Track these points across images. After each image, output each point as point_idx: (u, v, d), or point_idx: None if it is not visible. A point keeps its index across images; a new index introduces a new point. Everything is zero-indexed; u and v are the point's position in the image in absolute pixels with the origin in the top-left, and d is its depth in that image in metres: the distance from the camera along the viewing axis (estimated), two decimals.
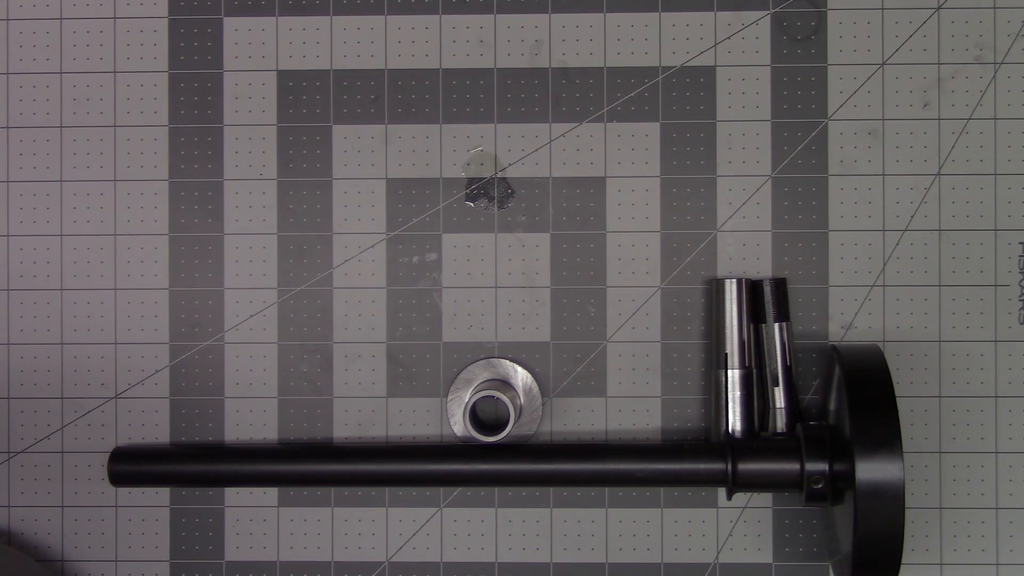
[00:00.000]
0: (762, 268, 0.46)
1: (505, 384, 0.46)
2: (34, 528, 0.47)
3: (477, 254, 0.47)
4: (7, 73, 0.48)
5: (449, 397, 0.47)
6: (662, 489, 0.47)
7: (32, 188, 0.47)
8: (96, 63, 0.48)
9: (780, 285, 0.45)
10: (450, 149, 0.47)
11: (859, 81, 0.46)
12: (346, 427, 0.47)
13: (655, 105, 0.47)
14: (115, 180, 0.47)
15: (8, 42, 0.48)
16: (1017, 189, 0.46)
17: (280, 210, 0.47)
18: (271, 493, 0.47)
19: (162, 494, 0.47)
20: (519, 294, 0.47)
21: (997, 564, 0.46)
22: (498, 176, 0.47)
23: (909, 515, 0.46)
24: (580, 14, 0.47)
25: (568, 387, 0.47)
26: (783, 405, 0.45)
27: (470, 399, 0.44)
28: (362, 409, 0.47)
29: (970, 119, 0.46)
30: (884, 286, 0.46)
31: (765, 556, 0.46)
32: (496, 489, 0.47)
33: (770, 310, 0.45)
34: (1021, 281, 0.46)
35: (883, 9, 0.47)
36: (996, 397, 0.46)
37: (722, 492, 0.46)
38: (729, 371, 0.45)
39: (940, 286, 0.46)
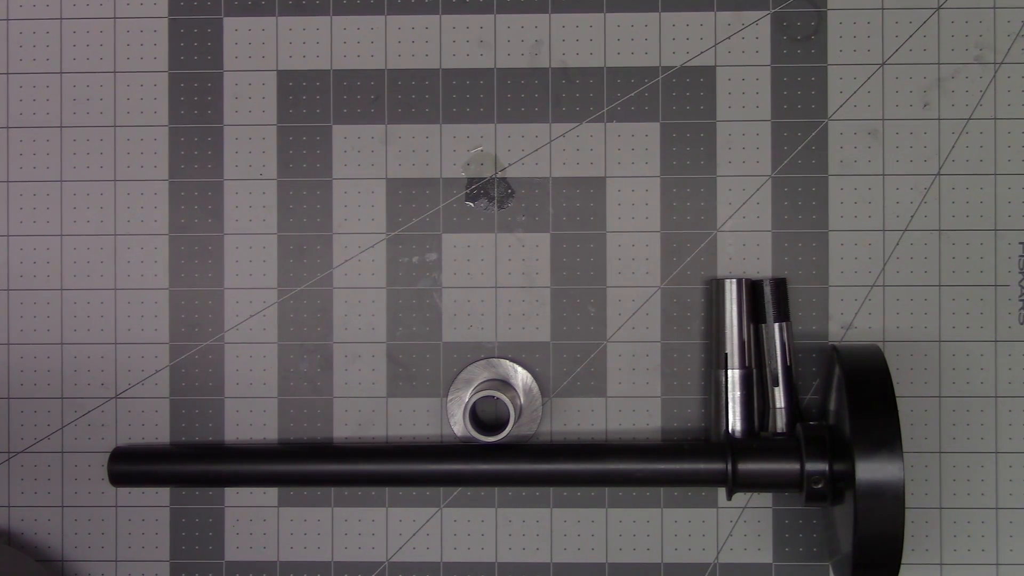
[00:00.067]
0: (762, 268, 0.46)
1: (505, 384, 0.46)
2: (34, 528, 0.47)
3: (477, 254, 0.47)
4: (7, 73, 0.48)
5: (449, 397, 0.47)
6: (662, 489, 0.47)
7: (32, 188, 0.47)
8: (96, 63, 0.48)
9: (780, 285, 0.45)
10: (450, 149, 0.47)
11: (859, 81, 0.46)
12: (346, 427, 0.47)
13: (655, 105, 0.47)
14: (115, 180, 0.47)
15: (8, 42, 0.48)
16: (1017, 189, 0.46)
17: (280, 210, 0.47)
18: (271, 493, 0.47)
19: (162, 494, 0.47)
20: (519, 294, 0.47)
21: (997, 564, 0.46)
22: (498, 176, 0.47)
23: (909, 515, 0.46)
24: (580, 14, 0.47)
25: (568, 387, 0.47)
26: (783, 405, 0.45)
27: (470, 399, 0.44)
28: (362, 409, 0.47)
29: (970, 119, 0.46)
30: (884, 286, 0.46)
31: (765, 556, 0.46)
32: (496, 489, 0.47)
33: (770, 310, 0.45)
34: (1021, 281, 0.46)
35: (883, 9, 0.47)
36: (996, 397, 0.46)
37: (722, 492, 0.46)
38: (729, 371, 0.45)
39: (940, 286, 0.46)
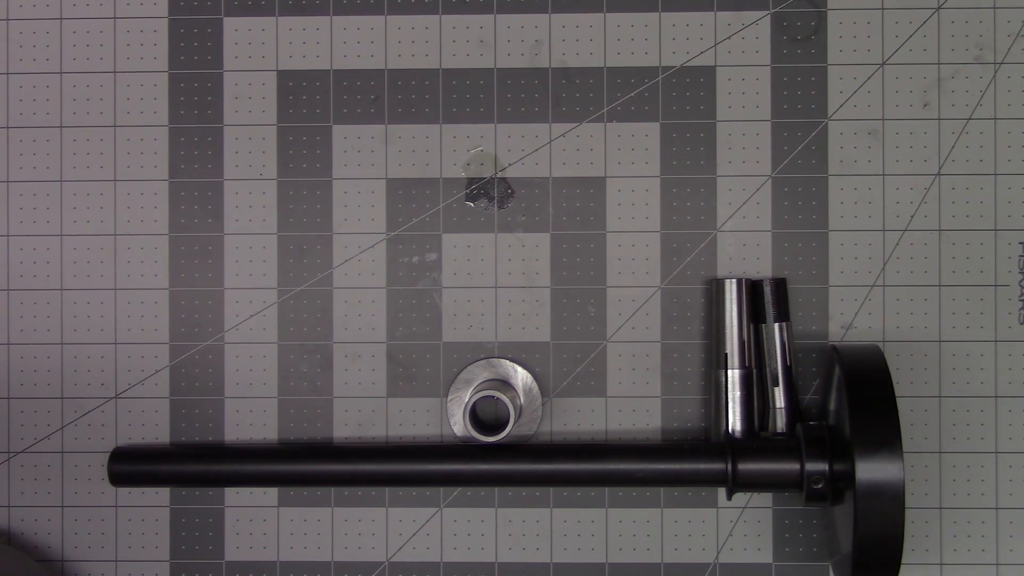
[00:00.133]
0: (762, 268, 0.46)
1: (505, 384, 0.46)
2: (34, 528, 0.47)
3: (477, 254, 0.47)
4: (7, 73, 0.48)
5: (449, 397, 0.47)
6: (662, 489, 0.47)
7: (32, 188, 0.47)
8: (96, 63, 0.48)
9: (780, 285, 0.45)
10: (450, 149, 0.47)
11: (859, 81, 0.46)
12: (346, 427, 0.47)
13: (655, 105, 0.47)
14: (115, 180, 0.47)
15: (8, 42, 0.48)
16: (1017, 189, 0.46)
17: (280, 210, 0.47)
18: (271, 493, 0.47)
19: (162, 494, 0.47)
20: (519, 294, 0.47)
21: (997, 564, 0.46)
22: (498, 176, 0.47)
23: (909, 515, 0.46)
24: (580, 14, 0.47)
25: (568, 387, 0.47)
26: (783, 405, 0.45)
27: (470, 399, 0.44)
28: (362, 409, 0.47)
29: (970, 119, 0.46)
30: (884, 286, 0.46)
31: (765, 556, 0.46)
32: (496, 489, 0.47)
33: (770, 310, 0.45)
34: (1021, 281, 0.46)
35: (883, 9, 0.47)
36: (996, 397, 0.46)
37: (722, 492, 0.46)
38: (729, 371, 0.45)
39: (940, 286, 0.46)
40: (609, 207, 0.47)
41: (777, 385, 0.45)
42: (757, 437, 0.45)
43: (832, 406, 0.44)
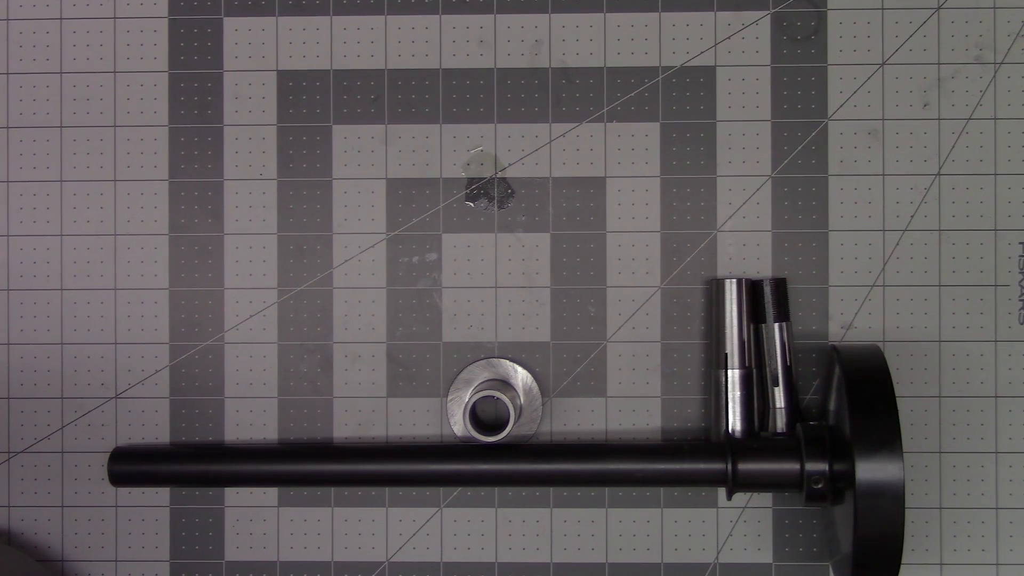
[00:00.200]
0: (762, 268, 0.46)
1: (505, 384, 0.46)
2: (34, 528, 0.47)
3: (477, 254, 0.47)
4: (7, 73, 0.48)
5: (449, 397, 0.47)
6: (662, 489, 0.47)
7: (32, 188, 0.47)
8: (96, 63, 0.48)
9: (780, 285, 0.45)
10: (450, 149, 0.47)
11: (859, 81, 0.46)
12: (346, 427, 0.47)
13: (655, 105, 0.47)
14: (115, 180, 0.47)
15: (8, 42, 0.48)
16: (1017, 189, 0.46)
17: (280, 210, 0.47)
18: (271, 493, 0.47)
19: (162, 494, 0.47)
20: (519, 294, 0.47)
21: (997, 564, 0.46)
22: (498, 176, 0.47)
23: (909, 515, 0.46)
24: (580, 14, 0.47)
25: (568, 387, 0.47)
26: (783, 405, 0.45)
27: (470, 399, 0.44)
28: (362, 409, 0.47)
29: (970, 119, 0.46)
30: (884, 286, 0.46)
31: (765, 556, 0.46)
32: (496, 489, 0.47)
33: (770, 310, 0.45)
34: (1021, 281, 0.46)
35: (883, 9, 0.47)
36: (996, 397, 0.46)
37: (722, 492, 0.46)
38: (729, 371, 0.45)
39: (940, 286, 0.46)
40: (609, 207, 0.47)
41: (777, 385, 0.45)
42: (757, 437, 0.45)
43: (832, 406, 0.44)
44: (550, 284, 0.47)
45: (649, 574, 0.46)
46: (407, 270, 0.47)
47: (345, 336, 0.47)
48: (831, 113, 0.46)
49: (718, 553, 0.46)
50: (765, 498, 0.46)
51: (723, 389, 0.45)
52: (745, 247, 0.46)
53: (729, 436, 0.44)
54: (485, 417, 0.47)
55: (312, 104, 0.47)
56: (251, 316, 0.47)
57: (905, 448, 0.46)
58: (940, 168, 0.46)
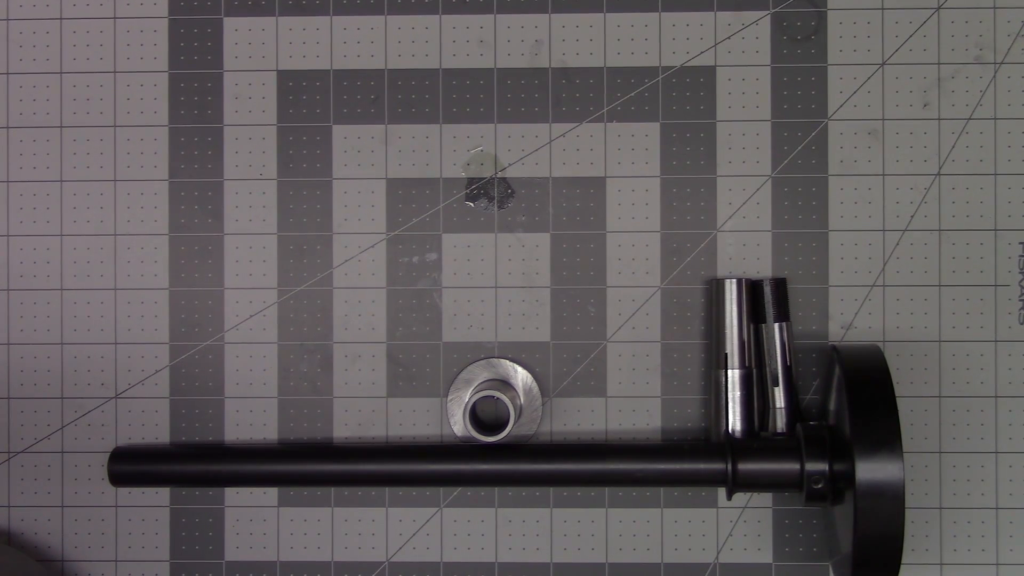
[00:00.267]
0: (762, 268, 0.46)
1: (505, 384, 0.46)
2: (34, 528, 0.47)
3: (477, 254, 0.47)
4: (7, 73, 0.48)
5: (449, 397, 0.47)
6: (662, 489, 0.47)
7: (32, 188, 0.47)
8: (96, 63, 0.48)
9: (780, 285, 0.45)
10: (450, 149, 0.47)
11: (859, 81, 0.46)
12: (346, 427, 0.47)
13: (655, 105, 0.47)
14: (115, 180, 0.47)
15: (8, 42, 0.48)
16: (1017, 189, 0.46)
17: (280, 210, 0.47)
18: (271, 493, 0.47)
19: (162, 494, 0.47)
20: (519, 294, 0.47)
21: (997, 564, 0.46)
22: (498, 176, 0.47)
23: (909, 515, 0.46)
24: (580, 14, 0.47)
25: (568, 387, 0.47)
26: (783, 405, 0.45)
27: (470, 399, 0.44)
28: (362, 409, 0.47)
29: (970, 119, 0.46)
30: (884, 286, 0.46)
31: (765, 556, 0.46)
32: (496, 489, 0.47)
33: (770, 310, 0.45)
34: (1021, 281, 0.46)
35: (883, 9, 0.47)
36: (996, 397, 0.46)
37: (722, 492, 0.46)
38: (729, 371, 0.45)
39: (940, 286, 0.46)
40: (609, 207, 0.47)
41: (777, 385, 0.45)
42: (757, 437, 0.45)
43: (832, 406, 0.44)
44: (550, 284, 0.47)
45: (649, 574, 0.46)
46: (407, 270, 0.47)
47: (345, 336, 0.47)
48: (831, 113, 0.46)
49: (718, 553, 0.46)
50: (765, 498, 0.46)
51: (723, 389, 0.45)
52: (745, 247, 0.46)
53: (729, 436, 0.44)
54: (485, 417, 0.47)
55: (312, 104, 0.47)
56: (251, 316, 0.47)
57: (905, 448, 0.46)
58: (940, 168, 0.46)
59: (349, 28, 0.47)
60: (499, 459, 0.45)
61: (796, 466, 0.43)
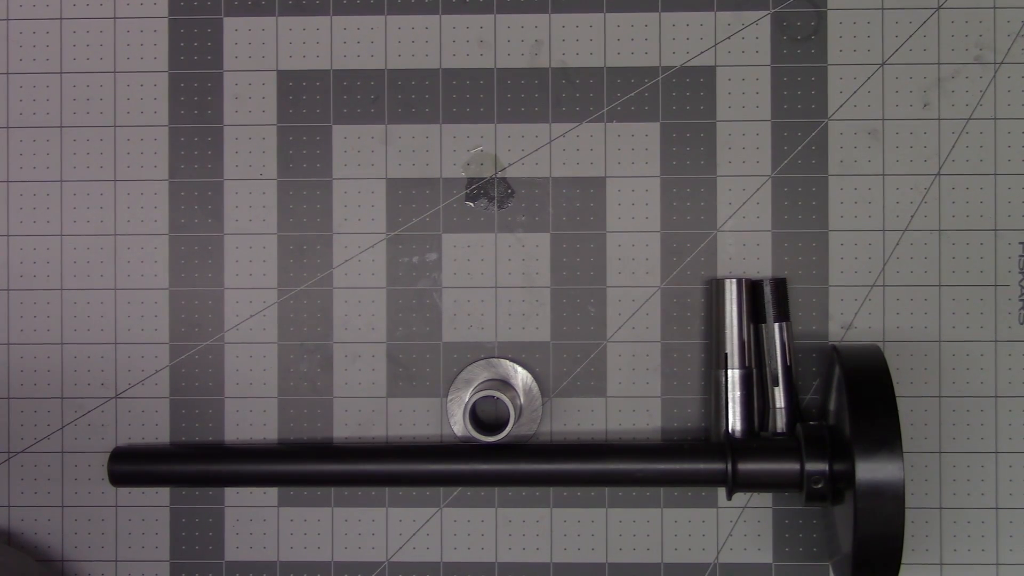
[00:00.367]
0: (762, 268, 0.46)
1: (505, 384, 0.46)
2: (34, 528, 0.47)
3: (477, 254, 0.47)
4: (7, 73, 0.48)
5: (449, 397, 0.47)
6: (662, 489, 0.47)
7: (32, 188, 0.47)
8: (96, 63, 0.48)
9: (780, 285, 0.45)
10: (450, 149, 0.47)
11: (859, 81, 0.46)
12: (346, 427, 0.47)
13: (655, 105, 0.47)
14: (115, 180, 0.47)
15: (8, 42, 0.48)
16: (1017, 189, 0.46)
17: (280, 210, 0.47)
18: (271, 493, 0.47)
19: (162, 494, 0.47)
20: (519, 294, 0.47)
21: (997, 564, 0.46)
22: (498, 176, 0.47)
23: (909, 515, 0.46)
24: (580, 14, 0.47)
25: (568, 387, 0.47)
26: (783, 405, 0.45)
27: (470, 399, 0.44)
28: (362, 409, 0.47)
29: (970, 119, 0.46)
30: (884, 286, 0.46)
31: (765, 556, 0.46)
32: (496, 489, 0.47)
33: (770, 310, 0.45)
34: (1021, 281, 0.46)
35: (883, 9, 0.47)
36: (996, 397, 0.46)
37: (722, 492, 0.46)
38: (729, 371, 0.45)
39: (940, 286, 0.46)
40: (609, 207, 0.47)
41: (777, 385, 0.45)
42: (757, 437, 0.45)
43: (832, 406, 0.44)
44: (550, 284, 0.47)
45: (649, 574, 0.46)
46: (407, 270, 0.47)
47: (345, 336, 0.47)
48: (831, 113, 0.46)
49: (718, 553, 0.46)
50: (765, 498, 0.46)
51: (723, 389, 0.45)
52: (745, 247, 0.46)
53: (729, 436, 0.44)
54: (485, 417, 0.47)
55: (312, 104, 0.47)
56: (251, 316, 0.47)
57: (905, 448, 0.46)
58: (940, 168, 0.46)
59: (349, 28, 0.47)
60: (499, 459, 0.45)
61: (796, 466, 0.43)
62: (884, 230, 0.46)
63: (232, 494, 0.47)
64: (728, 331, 0.45)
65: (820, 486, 0.43)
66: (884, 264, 0.46)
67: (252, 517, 0.47)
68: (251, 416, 0.47)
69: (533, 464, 0.45)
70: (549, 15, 0.47)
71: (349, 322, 0.47)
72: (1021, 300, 0.46)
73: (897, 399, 0.43)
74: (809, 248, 0.46)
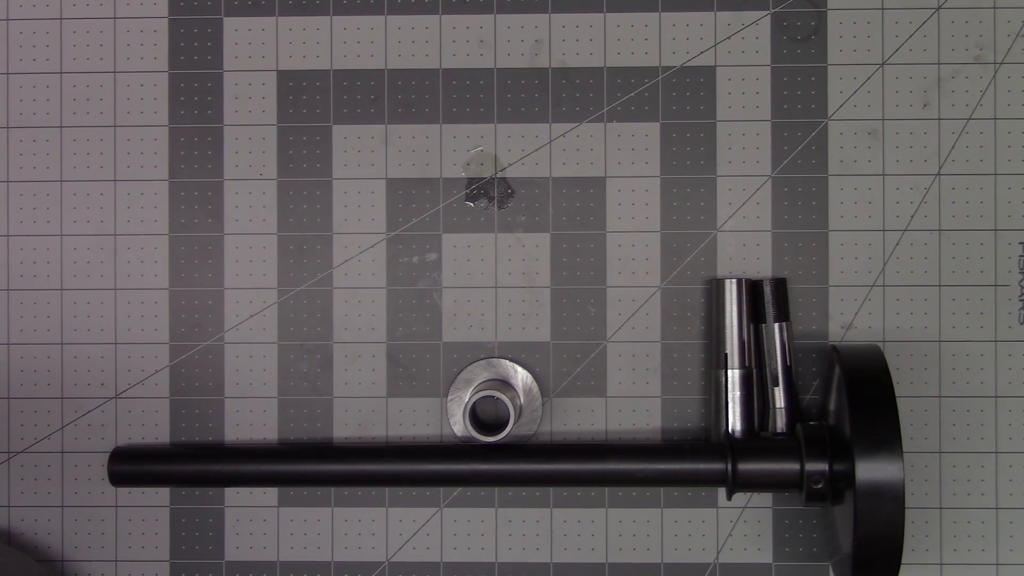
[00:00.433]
0: (762, 268, 0.46)
1: (505, 384, 0.46)
2: (34, 528, 0.47)
3: (477, 254, 0.47)
4: (7, 73, 0.48)
5: (449, 397, 0.47)
6: (662, 489, 0.47)
7: (32, 188, 0.47)
8: (96, 63, 0.48)
9: (780, 285, 0.45)
10: (450, 149, 0.47)
11: (859, 81, 0.46)
12: (346, 427, 0.47)
13: (655, 105, 0.47)
14: (115, 180, 0.47)
15: (8, 42, 0.48)
16: (1017, 189, 0.46)
17: (280, 210, 0.47)
18: (271, 493, 0.47)
19: (162, 494, 0.47)
20: (519, 294, 0.47)
21: (997, 564, 0.46)
22: (498, 176, 0.47)
23: (909, 515, 0.46)
24: (580, 14, 0.47)
25: (568, 387, 0.47)
26: (783, 405, 0.45)
27: (470, 399, 0.44)
28: (362, 409, 0.47)
29: (970, 119, 0.46)
30: (884, 286, 0.46)
31: (765, 556, 0.46)
32: (496, 489, 0.47)
33: (770, 310, 0.45)
34: (1021, 281, 0.46)
35: (883, 9, 0.47)
36: (996, 397, 0.46)
37: (722, 492, 0.46)
38: (729, 371, 0.45)
39: (940, 286, 0.46)
40: (609, 207, 0.47)
41: (777, 385, 0.45)
42: (757, 437, 0.45)
43: (832, 406, 0.44)
44: (550, 284, 0.47)
45: (649, 574, 0.46)
46: (407, 270, 0.47)
47: (345, 336, 0.47)
48: (831, 113, 0.46)
49: (718, 553, 0.46)
50: (765, 498, 0.46)
51: (723, 389, 0.45)
52: (745, 247, 0.46)
53: (729, 436, 0.44)
54: (485, 417, 0.47)
55: (312, 104, 0.47)
56: (251, 316, 0.47)
57: (905, 448, 0.46)
58: (940, 168, 0.46)
59: (349, 28, 0.47)
60: (499, 459, 0.45)
61: (796, 466, 0.43)
62: (884, 230, 0.46)
63: (232, 494, 0.47)
64: (728, 331, 0.45)
65: (820, 486, 0.43)
66: (884, 264, 0.46)
67: (252, 517, 0.47)
68: (251, 416, 0.47)
69: (533, 464, 0.45)
70: (549, 15, 0.47)
71: (349, 322, 0.47)
72: (1021, 300, 0.46)
73: (897, 399, 0.43)
74: (809, 248, 0.46)
